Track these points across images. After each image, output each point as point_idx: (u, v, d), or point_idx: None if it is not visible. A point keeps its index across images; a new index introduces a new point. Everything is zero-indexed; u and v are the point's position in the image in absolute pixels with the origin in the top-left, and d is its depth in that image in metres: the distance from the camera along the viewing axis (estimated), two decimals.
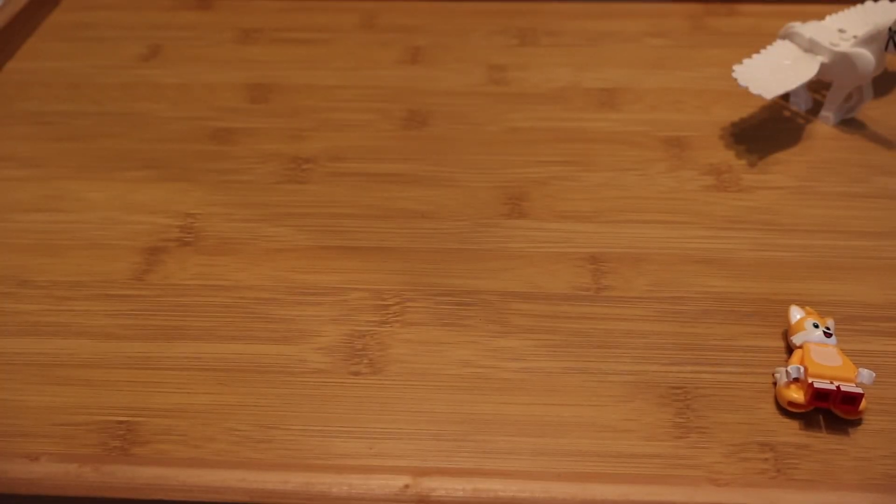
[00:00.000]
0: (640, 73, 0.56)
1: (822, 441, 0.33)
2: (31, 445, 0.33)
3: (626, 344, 0.37)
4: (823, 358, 0.34)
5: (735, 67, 0.48)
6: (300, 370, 0.36)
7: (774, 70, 0.48)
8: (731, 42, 0.59)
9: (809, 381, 0.33)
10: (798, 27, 0.49)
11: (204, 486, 0.31)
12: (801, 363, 0.34)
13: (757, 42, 0.51)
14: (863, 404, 0.33)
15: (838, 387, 0.33)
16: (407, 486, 0.28)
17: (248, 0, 0.65)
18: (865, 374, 0.33)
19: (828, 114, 0.51)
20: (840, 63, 0.47)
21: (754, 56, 0.49)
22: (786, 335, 0.37)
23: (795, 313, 0.37)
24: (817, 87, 0.52)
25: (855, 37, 0.47)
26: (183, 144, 0.50)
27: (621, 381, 0.36)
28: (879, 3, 0.51)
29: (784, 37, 0.50)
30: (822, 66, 0.48)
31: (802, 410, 0.34)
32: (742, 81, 0.47)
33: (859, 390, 0.33)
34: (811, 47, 0.48)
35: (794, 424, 0.34)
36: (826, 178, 0.47)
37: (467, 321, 0.38)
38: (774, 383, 0.35)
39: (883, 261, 0.41)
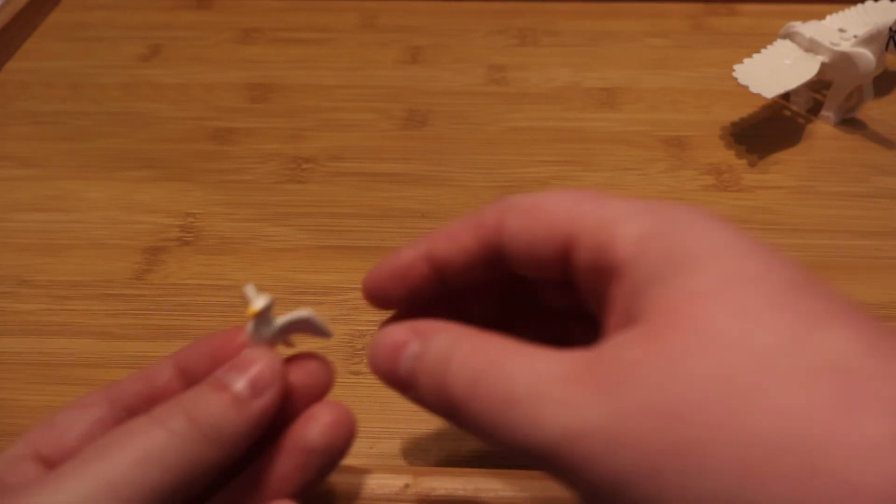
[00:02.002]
0: (640, 73, 0.56)
1: None
2: None
3: None
4: None
5: (735, 67, 0.48)
6: None
7: (775, 70, 0.48)
8: (732, 42, 0.59)
9: None
10: (798, 27, 0.49)
11: None
12: None
13: (757, 42, 0.51)
14: None
15: None
16: (407, 486, 0.28)
17: (247, 0, 0.65)
18: None
19: (828, 113, 0.51)
20: (841, 63, 0.47)
21: (754, 55, 0.49)
22: None
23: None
24: (818, 86, 0.52)
25: (855, 36, 0.47)
26: (183, 144, 0.50)
27: None
28: (880, 3, 0.51)
29: (784, 36, 0.50)
30: (823, 65, 0.48)
31: None
32: (742, 81, 0.47)
33: None
34: (811, 47, 0.48)
35: None
36: (826, 177, 0.47)
37: None
38: None
39: (883, 261, 0.41)
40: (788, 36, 0.50)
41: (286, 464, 0.24)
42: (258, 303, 0.24)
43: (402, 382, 0.22)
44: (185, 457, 0.21)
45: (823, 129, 0.51)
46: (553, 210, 0.22)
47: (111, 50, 0.60)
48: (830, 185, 0.46)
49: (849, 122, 0.51)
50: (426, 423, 0.34)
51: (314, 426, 0.24)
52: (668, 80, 0.55)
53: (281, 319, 0.25)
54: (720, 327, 0.18)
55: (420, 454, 0.33)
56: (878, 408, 0.16)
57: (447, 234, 0.25)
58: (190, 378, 0.25)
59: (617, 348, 0.19)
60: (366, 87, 0.55)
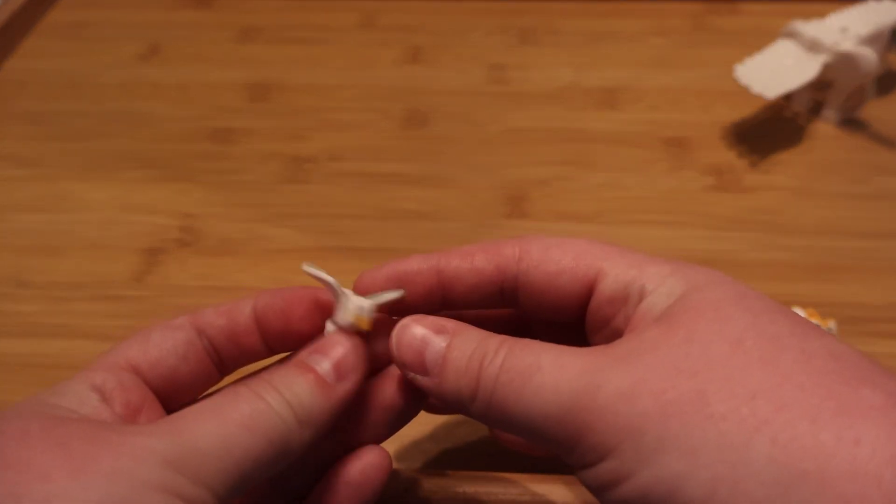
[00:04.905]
0: (641, 73, 0.56)
1: None
2: None
3: None
4: None
5: (737, 67, 0.48)
6: None
7: (776, 69, 0.48)
8: (733, 41, 0.58)
9: None
10: (800, 26, 0.49)
11: None
12: None
13: (759, 41, 0.51)
14: None
15: None
16: (406, 488, 0.28)
17: None
18: None
19: (830, 113, 0.50)
20: (842, 62, 0.47)
21: (756, 55, 0.49)
22: None
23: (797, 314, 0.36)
24: (819, 86, 0.52)
25: (857, 36, 0.47)
26: (183, 144, 0.50)
27: None
28: (882, 3, 0.51)
29: (786, 36, 0.50)
30: (825, 65, 0.47)
31: None
32: (744, 81, 0.46)
33: None
34: (813, 46, 0.48)
35: None
36: (828, 178, 0.46)
37: None
38: None
39: (885, 261, 0.41)
40: (790, 35, 0.50)
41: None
42: (321, 273, 0.24)
43: (426, 369, 0.23)
44: (281, 431, 0.21)
45: (825, 129, 0.50)
46: (579, 248, 0.24)
47: (110, 49, 0.60)
48: (832, 186, 0.46)
49: (850, 122, 0.51)
50: (426, 423, 0.34)
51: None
52: (670, 80, 0.55)
53: (371, 299, 0.24)
54: (735, 317, 0.20)
55: (420, 455, 0.33)
56: (870, 381, 0.18)
57: (461, 252, 0.26)
58: (262, 324, 0.25)
59: (638, 333, 0.21)
60: (366, 87, 0.55)
